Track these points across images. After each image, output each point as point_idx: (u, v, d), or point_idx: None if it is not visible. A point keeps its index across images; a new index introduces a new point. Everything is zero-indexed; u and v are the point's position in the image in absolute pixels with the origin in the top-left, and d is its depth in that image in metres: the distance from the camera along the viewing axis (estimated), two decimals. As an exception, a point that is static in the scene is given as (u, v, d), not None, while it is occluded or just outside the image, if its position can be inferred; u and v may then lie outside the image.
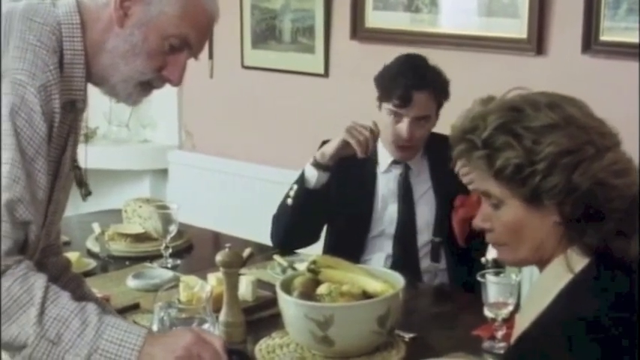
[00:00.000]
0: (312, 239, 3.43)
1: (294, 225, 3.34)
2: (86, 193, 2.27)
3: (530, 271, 3.00)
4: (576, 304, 1.77)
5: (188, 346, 1.90)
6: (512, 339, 1.90)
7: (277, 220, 3.41)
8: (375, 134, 3.22)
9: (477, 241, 2.81)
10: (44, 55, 1.95)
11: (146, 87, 2.12)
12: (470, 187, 3.01)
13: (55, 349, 1.84)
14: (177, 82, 2.12)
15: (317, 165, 3.29)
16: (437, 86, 3.29)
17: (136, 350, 1.86)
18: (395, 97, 3.24)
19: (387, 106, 3.29)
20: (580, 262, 1.82)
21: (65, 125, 2.05)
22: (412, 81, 3.24)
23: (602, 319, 1.74)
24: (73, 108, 2.08)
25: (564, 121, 1.80)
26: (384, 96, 3.30)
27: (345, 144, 3.22)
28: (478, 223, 1.93)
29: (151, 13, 2.03)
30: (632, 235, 1.81)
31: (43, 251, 2.16)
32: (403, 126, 3.26)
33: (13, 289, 1.83)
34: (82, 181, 2.24)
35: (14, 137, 1.87)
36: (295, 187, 3.32)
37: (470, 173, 2.95)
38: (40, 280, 1.87)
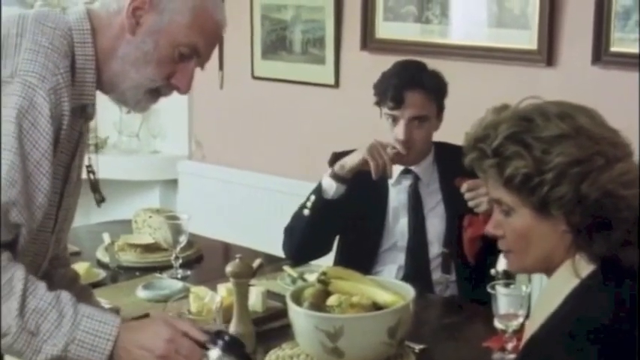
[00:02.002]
0: (325, 251, 3.42)
1: (309, 236, 3.33)
2: (100, 199, 2.28)
3: (539, 283, 3.00)
4: (582, 309, 1.79)
5: (166, 344, 1.93)
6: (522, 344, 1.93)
7: (291, 231, 3.40)
8: (394, 152, 3.23)
9: (488, 259, 2.83)
10: (55, 58, 1.97)
11: (155, 94, 2.14)
12: (476, 210, 3.03)
13: (34, 339, 1.88)
14: (185, 90, 2.14)
15: (335, 177, 3.28)
16: (431, 86, 3.29)
17: (111, 341, 1.91)
18: (389, 99, 3.26)
19: (384, 110, 3.30)
20: (587, 268, 1.84)
21: (75, 131, 2.07)
22: (403, 81, 3.26)
23: (606, 324, 1.75)
24: (84, 113, 2.09)
25: (574, 131, 1.82)
26: (380, 100, 3.32)
27: (364, 162, 3.22)
28: (490, 229, 1.95)
29: (163, 22, 2.05)
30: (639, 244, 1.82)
31: (51, 262, 2.17)
32: (399, 127, 3.27)
33: None
34: (96, 187, 2.26)
35: (17, 140, 1.88)
36: (312, 198, 3.32)
37: (477, 197, 3.00)
38: (19, 272, 1.89)
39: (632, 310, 1.77)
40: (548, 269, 1.90)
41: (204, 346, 1.98)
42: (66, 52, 2.00)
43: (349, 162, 3.27)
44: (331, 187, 3.28)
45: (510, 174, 1.83)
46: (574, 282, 1.83)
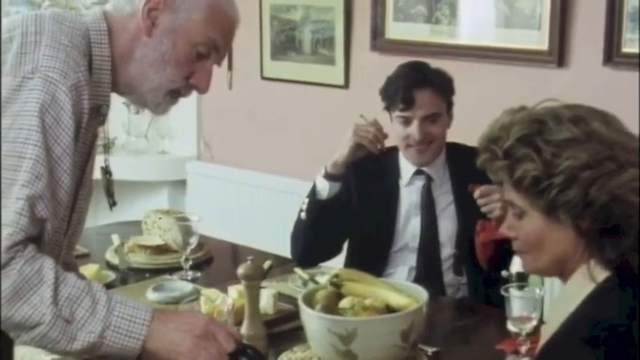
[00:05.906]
0: (332, 252, 3.41)
1: (312, 239, 3.31)
2: (112, 204, 2.28)
3: (551, 286, 2.99)
4: (598, 312, 1.78)
5: (205, 325, 1.93)
6: (537, 350, 1.92)
7: (295, 237, 3.39)
8: (378, 126, 3.22)
9: (500, 262, 2.82)
10: (76, 55, 1.97)
11: (174, 96, 2.14)
12: (489, 216, 3.02)
13: (69, 327, 1.86)
14: (205, 89, 2.14)
15: (328, 176, 3.27)
16: (438, 83, 3.30)
17: (146, 325, 1.89)
18: (399, 101, 3.25)
19: (395, 113, 3.29)
20: (602, 273, 1.83)
21: (90, 133, 2.06)
22: (411, 81, 3.26)
23: (623, 328, 1.75)
24: (98, 115, 2.09)
25: (586, 135, 1.81)
26: (390, 104, 3.32)
27: (356, 147, 3.21)
28: (504, 230, 1.95)
29: (179, 21, 2.05)
30: None
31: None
32: (413, 127, 3.26)
33: (25, 270, 1.84)
34: (111, 190, 2.26)
35: (41, 134, 1.88)
36: (307, 200, 3.31)
37: (490, 203, 3.00)
38: (47, 261, 1.88)
39: None
40: (563, 273, 1.89)
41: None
42: (84, 51, 2.00)
43: (340, 156, 3.26)
44: (324, 187, 3.27)
45: (519, 176, 1.83)
46: (590, 287, 1.83)
